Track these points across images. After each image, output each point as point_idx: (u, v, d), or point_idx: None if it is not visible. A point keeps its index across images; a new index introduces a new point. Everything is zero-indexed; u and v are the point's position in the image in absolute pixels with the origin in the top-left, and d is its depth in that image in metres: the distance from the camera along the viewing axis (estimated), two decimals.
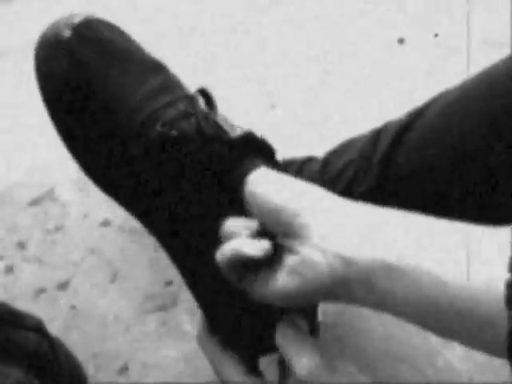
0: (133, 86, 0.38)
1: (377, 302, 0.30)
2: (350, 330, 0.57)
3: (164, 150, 0.36)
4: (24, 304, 0.57)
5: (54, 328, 0.56)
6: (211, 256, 0.34)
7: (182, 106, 0.38)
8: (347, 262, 0.30)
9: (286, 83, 0.75)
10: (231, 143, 0.36)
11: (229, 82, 0.75)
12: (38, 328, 0.39)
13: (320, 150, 0.50)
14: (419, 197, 0.43)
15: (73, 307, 0.58)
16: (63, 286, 0.59)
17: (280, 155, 0.43)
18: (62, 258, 0.60)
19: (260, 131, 0.39)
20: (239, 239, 0.33)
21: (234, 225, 0.34)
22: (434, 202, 0.42)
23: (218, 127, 0.37)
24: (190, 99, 0.40)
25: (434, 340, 0.56)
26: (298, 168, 0.49)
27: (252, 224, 0.34)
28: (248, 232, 0.34)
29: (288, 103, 0.74)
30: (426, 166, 0.43)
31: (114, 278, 0.60)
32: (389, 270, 0.29)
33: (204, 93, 0.39)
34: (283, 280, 0.32)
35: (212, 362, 0.39)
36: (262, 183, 0.34)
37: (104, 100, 0.37)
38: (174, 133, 0.36)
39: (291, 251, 0.32)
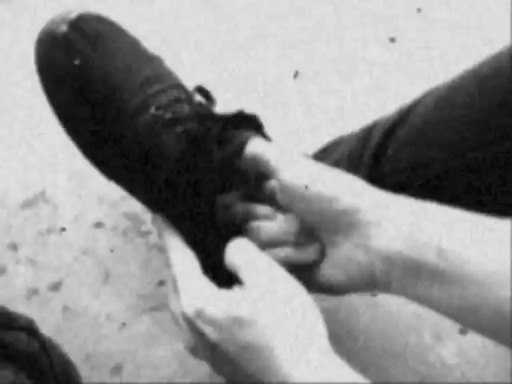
0: (126, 74, 0.40)
1: (413, 296, 0.32)
2: (343, 327, 0.57)
3: (156, 131, 0.38)
4: (16, 305, 0.57)
5: (46, 329, 0.55)
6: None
7: (174, 93, 0.40)
8: (389, 262, 0.31)
9: None
10: (225, 119, 0.38)
11: None
12: (30, 328, 0.39)
13: None
14: (410, 191, 0.43)
15: (65, 308, 0.58)
16: (56, 286, 0.59)
17: None
18: (55, 259, 0.60)
19: None
20: (286, 249, 0.36)
21: (272, 231, 0.36)
22: (425, 195, 0.43)
23: (211, 112, 0.38)
24: (182, 88, 0.41)
25: (426, 336, 0.56)
26: None
27: (289, 226, 0.36)
28: (292, 239, 0.36)
29: None
30: (417, 160, 0.44)
31: (106, 278, 0.60)
32: (431, 270, 0.30)
33: (202, 91, 0.41)
34: (328, 273, 0.34)
35: (162, 237, 0.39)
36: (305, 175, 0.35)
37: (99, 88, 0.39)
38: (168, 115, 0.37)
39: (335, 246, 0.34)
